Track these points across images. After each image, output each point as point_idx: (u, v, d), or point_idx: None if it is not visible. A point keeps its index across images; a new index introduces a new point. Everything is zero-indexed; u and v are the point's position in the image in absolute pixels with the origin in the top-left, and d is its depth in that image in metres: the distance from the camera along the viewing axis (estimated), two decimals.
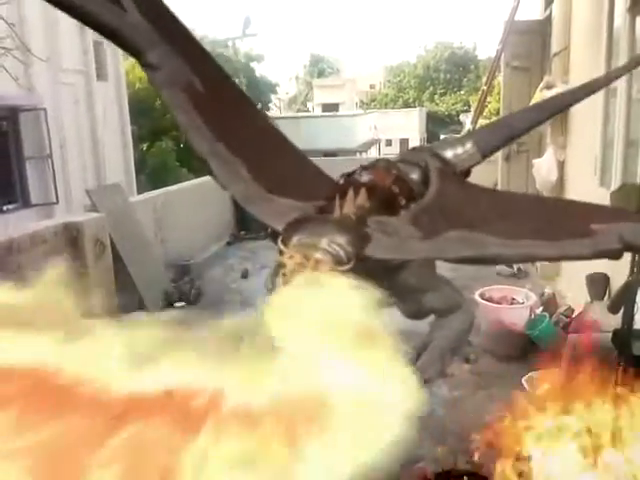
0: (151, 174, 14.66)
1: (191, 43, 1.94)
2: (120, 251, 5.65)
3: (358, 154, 21.88)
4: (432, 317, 2.05)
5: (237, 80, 18.95)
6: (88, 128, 10.66)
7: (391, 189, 1.75)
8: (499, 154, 7.33)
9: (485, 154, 2.15)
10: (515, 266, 6.51)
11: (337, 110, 32.61)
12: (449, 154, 2.07)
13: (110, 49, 10.92)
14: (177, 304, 6.01)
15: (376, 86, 44.12)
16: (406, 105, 37.94)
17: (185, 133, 1.77)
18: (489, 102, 14.41)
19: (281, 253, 1.41)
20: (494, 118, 12.86)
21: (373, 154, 24.87)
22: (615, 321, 3.46)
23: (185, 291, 6.23)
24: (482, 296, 4.63)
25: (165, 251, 6.86)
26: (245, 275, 7.07)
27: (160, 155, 15.91)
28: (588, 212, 1.78)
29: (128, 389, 0.86)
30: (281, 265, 1.39)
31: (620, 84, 4.09)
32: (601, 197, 3.81)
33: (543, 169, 6.02)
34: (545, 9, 7.39)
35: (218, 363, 0.94)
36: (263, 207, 1.69)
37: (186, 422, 0.84)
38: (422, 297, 1.89)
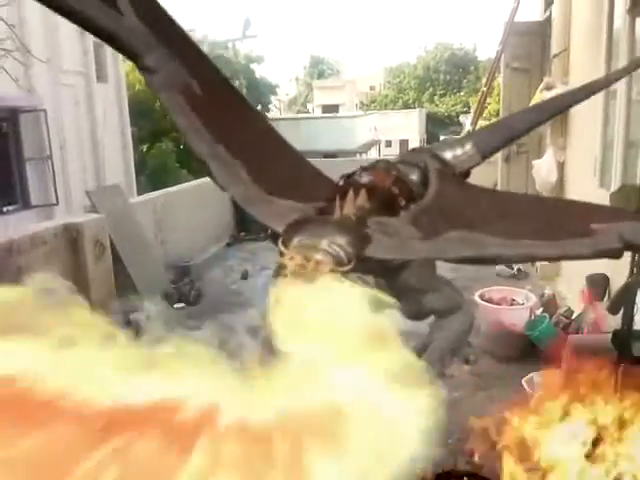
0: (151, 175, 14.66)
1: (188, 46, 1.94)
2: (120, 252, 5.66)
3: (358, 155, 21.88)
4: (432, 318, 2.05)
5: (237, 81, 19.00)
6: (88, 129, 10.66)
7: (391, 190, 1.75)
8: (499, 155, 7.34)
9: (485, 155, 2.15)
10: (515, 267, 6.51)
11: (337, 111, 32.60)
12: (449, 155, 2.07)
13: (110, 51, 10.90)
14: (177, 305, 6.01)
15: (376, 87, 44.14)
16: (406, 106, 37.96)
17: (184, 135, 1.77)
18: (489, 103, 14.41)
19: (281, 254, 1.42)
20: (494, 119, 12.86)
21: (373, 155, 24.88)
22: (615, 322, 3.47)
23: (185, 292, 6.23)
24: (482, 297, 4.63)
25: (165, 252, 6.86)
26: (245, 276, 7.07)
27: (160, 156, 15.91)
28: (588, 212, 1.78)
29: (116, 400, 0.82)
30: (282, 266, 1.39)
31: (620, 86, 4.10)
32: (601, 198, 3.81)
33: (543, 170, 6.02)
34: (545, 10, 7.39)
35: (215, 373, 0.89)
36: (263, 209, 1.69)
37: (177, 437, 0.80)
38: (422, 298, 1.89)
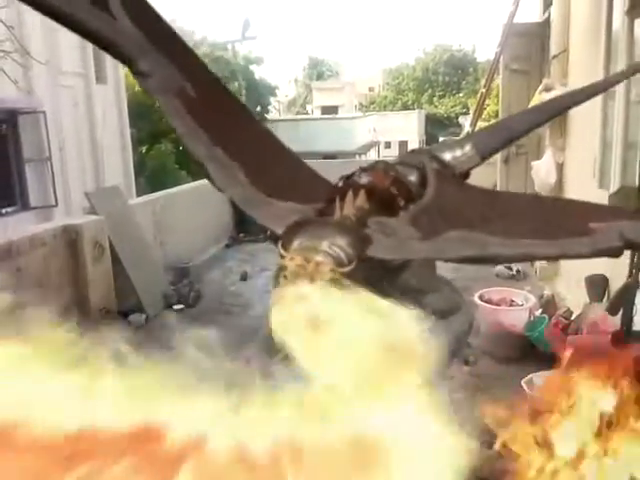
0: (150, 177, 14.65)
1: (182, 48, 1.93)
2: (119, 254, 5.65)
3: (357, 156, 21.91)
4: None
5: (236, 83, 18.99)
6: (87, 131, 10.66)
7: (390, 190, 1.75)
8: (498, 156, 7.35)
9: (484, 156, 2.15)
10: (514, 268, 6.52)
11: (336, 113, 32.64)
12: (448, 156, 2.07)
13: None
14: (176, 307, 6.01)
15: (375, 89, 44.20)
16: (405, 107, 38.02)
17: (181, 138, 1.76)
18: (488, 104, 14.42)
19: (282, 256, 1.41)
20: (493, 120, 12.87)
21: (372, 156, 24.90)
22: (614, 322, 3.47)
23: (184, 294, 6.23)
24: (481, 298, 4.64)
25: (164, 253, 6.86)
26: (244, 278, 7.06)
27: (159, 158, 15.92)
28: (587, 211, 1.78)
29: (84, 427, 0.75)
30: (282, 268, 1.39)
31: (619, 87, 4.10)
32: (600, 199, 3.81)
33: (542, 171, 6.03)
34: (544, 12, 7.40)
35: (205, 396, 0.81)
36: (262, 210, 1.69)
37: (157, 465, 0.74)
38: (422, 298, 1.89)
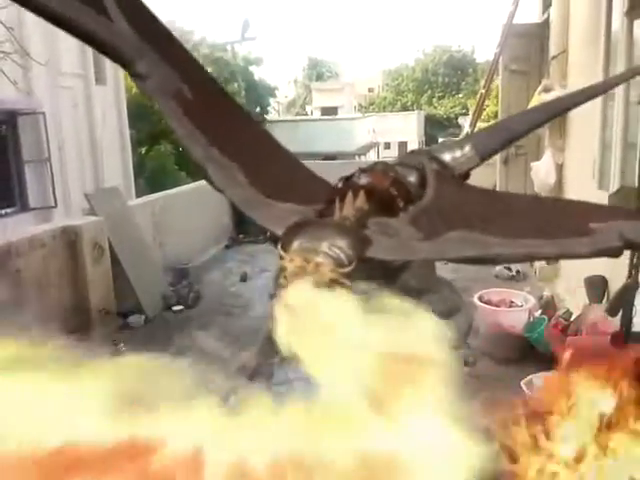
0: (150, 178, 14.65)
1: (179, 50, 1.93)
2: (118, 255, 5.65)
3: (357, 157, 21.92)
4: None
5: (236, 84, 19.00)
6: (87, 132, 10.66)
7: (389, 191, 1.75)
8: (497, 157, 7.35)
9: (483, 157, 2.15)
10: (514, 269, 6.52)
11: (336, 113, 32.64)
12: (447, 157, 2.07)
13: None
14: (175, 308, 6.01)
15: (375, 89, 44.22)
16: (404, 108, 38.04)
17: (180, 140, 1.76)
18: (487, 105, 14.44)
19: (281, 257, 1.41)
20: (492, 121, 12.88)
21: (372, 157, 24.91)
22: (614, 323, 3.47)
23: (183, 295, 6.23)
24: (481, 299, 4.64)
25: (163, 254, 6.86)
26: (244, 279, 7.06)
27: (159, 159, 15.92)
28: (587, 211, 1.78)
29: (72, 440, 0.72)
30: (282, 269, 1.39)
31: (618, 88, 4.11)
32: (599, 200, 3.82)
33: (541, 172, 6.03)
34: (543, 12, 7.41)
35: (203, 409, 0.78)
36: (262, 211, 1.69)
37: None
38: (422, 299, 1.89)
